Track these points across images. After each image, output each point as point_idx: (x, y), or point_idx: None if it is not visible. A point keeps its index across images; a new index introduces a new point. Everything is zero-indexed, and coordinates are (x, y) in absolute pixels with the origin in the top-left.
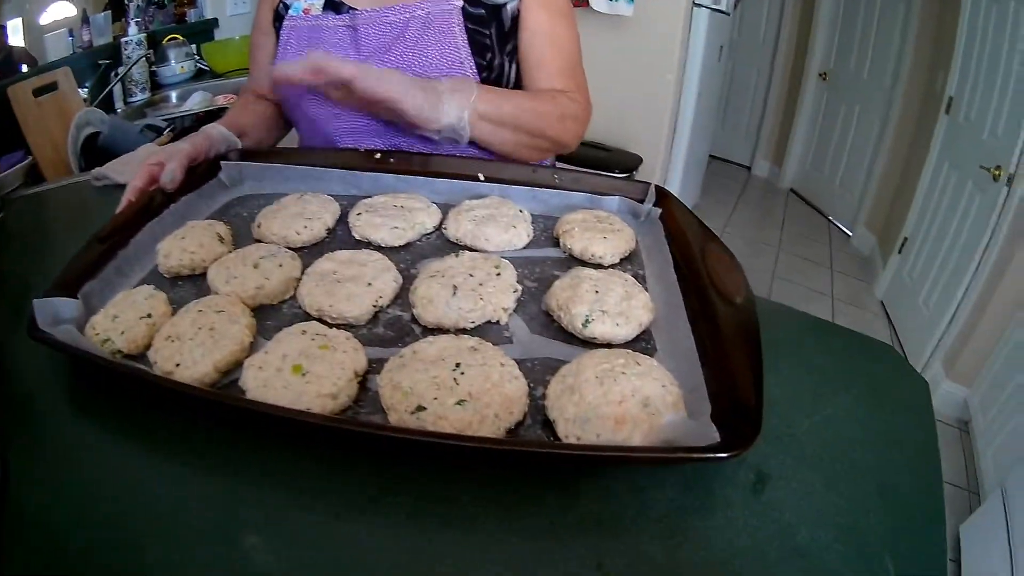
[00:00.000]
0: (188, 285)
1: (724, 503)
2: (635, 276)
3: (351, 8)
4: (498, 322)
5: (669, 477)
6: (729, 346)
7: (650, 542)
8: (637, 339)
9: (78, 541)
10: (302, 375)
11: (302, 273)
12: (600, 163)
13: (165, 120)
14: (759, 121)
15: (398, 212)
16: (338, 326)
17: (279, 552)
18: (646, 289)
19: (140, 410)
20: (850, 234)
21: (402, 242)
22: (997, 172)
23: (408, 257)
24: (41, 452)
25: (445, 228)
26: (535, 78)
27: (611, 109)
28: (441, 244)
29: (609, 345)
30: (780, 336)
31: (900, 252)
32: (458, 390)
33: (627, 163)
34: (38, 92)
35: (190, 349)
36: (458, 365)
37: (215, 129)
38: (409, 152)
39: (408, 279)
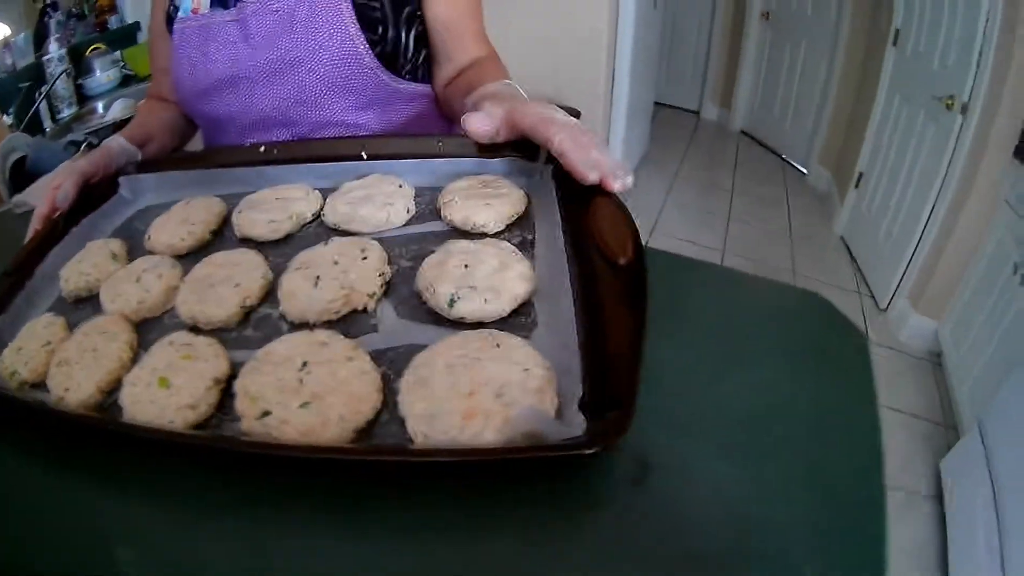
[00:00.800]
0: (88, 307)
1: (600, 501)
2: (523, 242)
3: (238, 0)
4: (364, 310)
5: (537, 473)
6: (608, 316)
7: (508, 547)
8: (516, 314)
9: None
10: (167, 388)
11: (183, 279)
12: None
13: (88, 133)
14: (704, 65)
15: (277, 204)
16: (213, 331)
17: (150, 561)
18: (532, 256)
19: (43, 436)
20: (805, 172)
21: (280, 235)
22: (950, 102)
23: (288, 250)
24: None
25: (324, 215)
26: (454, 49)
27: (543, 63)
28: (323, 232)
29: (482, 324)
30: (687, 295)
31: (857, 187)
32: (303, 391)
33: None
34: None
35: (76, 372)
36: (305, 364)
37: (115, 142)
38: (291, 141)
39: (282, 274)
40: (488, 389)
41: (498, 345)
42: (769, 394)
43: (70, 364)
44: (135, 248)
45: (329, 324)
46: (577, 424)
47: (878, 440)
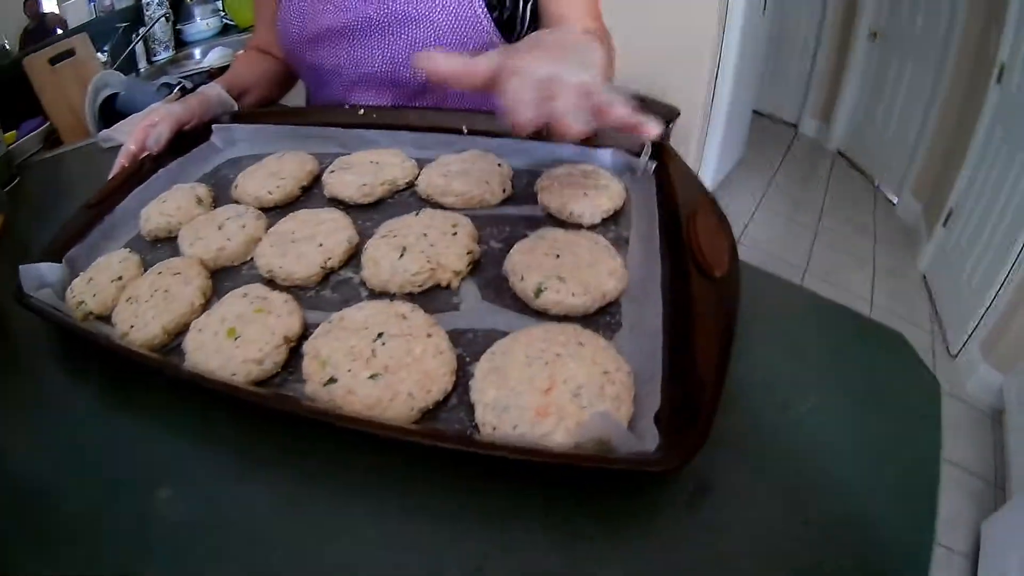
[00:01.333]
0: (166, 248)
1: (652, 521)
2: (618, 239)
3: None
4: (448, 286)
5: (594, 478)
6: (697, 330)
7: (547, 549)
8: (602, 312)
9: None
10: (235, 339)
11: (267, 232)
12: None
13: (181, 77)
14: (808, 77)
15: (371, 168)
16: (289, 288)
17: (189, 504)
18: (626, 254)
19: (101, 368)
20: (895, 201)
21: (370, 199)
22: None
23: (376, 216)
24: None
25: (417, 185)
26: (566, 21)
27: (647, 56)
28: (414, 202)
29: (566, 318)
30: (767, 312)
31: (945, 224)
32: (374, 362)
33: (664, 114)
34: (55, 60)
35: (144, 311)
36: (380, 335)
37: (212, 90)
38: (392, 106)
39: (368, 239)
40: (566, 388)
41: (582, 343)
42: (835, 429)
43: (139, 302)
44: (221, 196)
45: (410, 296)
46: (650, 438)
47: (935, 495)
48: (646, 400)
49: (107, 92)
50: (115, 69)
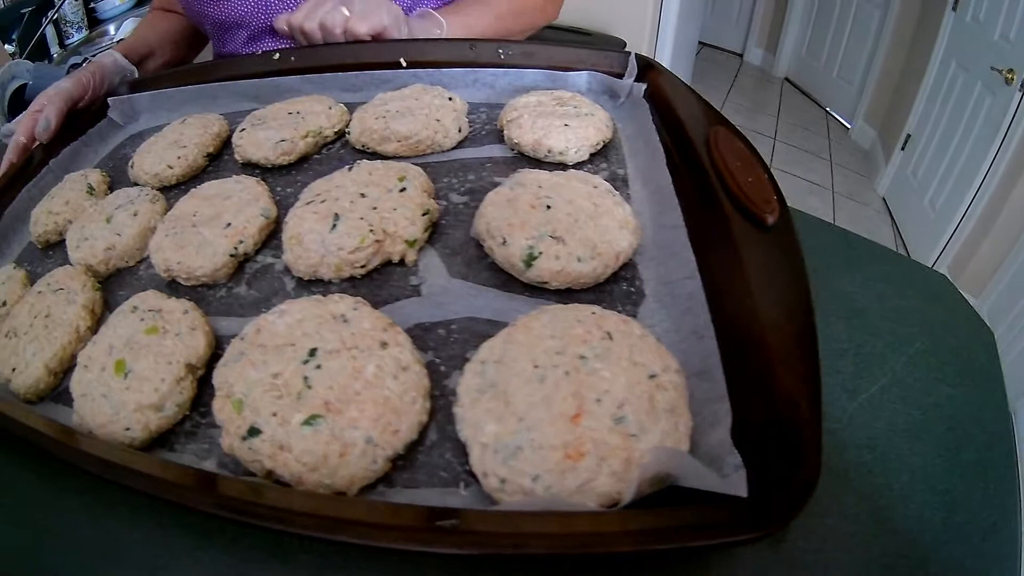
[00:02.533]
0: (59, 254)
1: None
2: (613, 178)
3: None
4: (401, 262)
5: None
6: (756, 296)
7: None
8: (615, 278)
9: None
10: (123, 376)
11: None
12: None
13: (93, 55)
14: (751, 6)
15: (290, 120)
16: (196, 287)
17: None
18: (628, 198)
19: None
20: (849, 127)
21: (292, 158)
22: (1010, 75)
23: (300, 179)
24: None
25: (348, 132)
26: None
27: None
28: (345, 155)
29: (569, 292)
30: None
31: (903, 149)
32: (309, 398)
33: (608, 48)
34: None
35: (23, 347)
36: (312, 352)
37: (107, 58)
38: (314, 46)
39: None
40: (602, 409)
41: (609, 334)
42: (909, 409)
43: (18, 335)
44: (119, 180)
45: (351, 283)
46: (730, 464)
47: (1013, 475)
48: (703, 404)
49: (15, 84)
50: (25, 58)
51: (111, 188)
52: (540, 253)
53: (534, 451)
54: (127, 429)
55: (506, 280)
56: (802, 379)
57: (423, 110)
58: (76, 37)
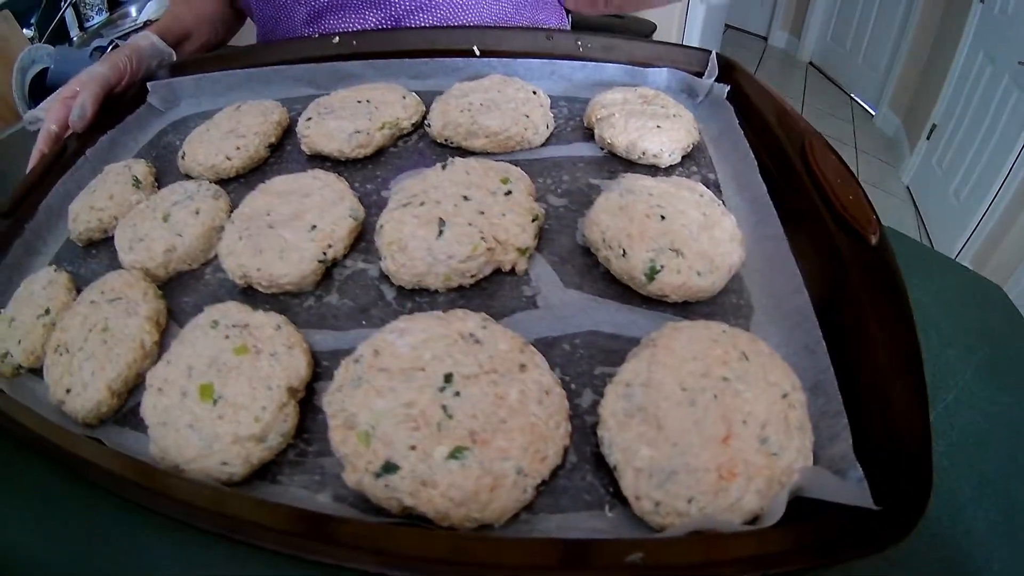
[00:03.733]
0: (103, 253)
1: None
2: (704, 183)
3: None
4: (512, 271)
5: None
6: (862, 312)
7: None
8: (724, 290)
9: None
10: (212, 402)
11: (230, 217)
12: (611, 31)
13: (117, 38)
14: None
15: (361, 110)
16: (277, 295)
17: None
18: (724, 206)
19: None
20: (873, 113)
21: (368, 150)
22: None
23: (379, 173)
24: None
25: (428, 124)
26: None
27: None
28: (424, 149)
29: (684, 304)
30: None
31: (928, 138)
32: (451, 428)
33: (640, 30)
34: None
35: (78, 365)
36: (449, 378)
37: (144, 40)
38: (376, 29)
39: (376, 208)
40: (748, 431)
41: (745, 355)
42: (973, 417)
43: (71, 350)
44: (166, 172)
45: (459, 291)
46: (852, 477)
47: None
48: (819, 419)
49: (36, 69)
50: (45, 42)
51: (158, 180)
52: (662, 267)
53: (689, 474)
54: (224, 464)
55: (622, 291)
56: (912, 396)
57: (509, 104)
58: (96, 19)
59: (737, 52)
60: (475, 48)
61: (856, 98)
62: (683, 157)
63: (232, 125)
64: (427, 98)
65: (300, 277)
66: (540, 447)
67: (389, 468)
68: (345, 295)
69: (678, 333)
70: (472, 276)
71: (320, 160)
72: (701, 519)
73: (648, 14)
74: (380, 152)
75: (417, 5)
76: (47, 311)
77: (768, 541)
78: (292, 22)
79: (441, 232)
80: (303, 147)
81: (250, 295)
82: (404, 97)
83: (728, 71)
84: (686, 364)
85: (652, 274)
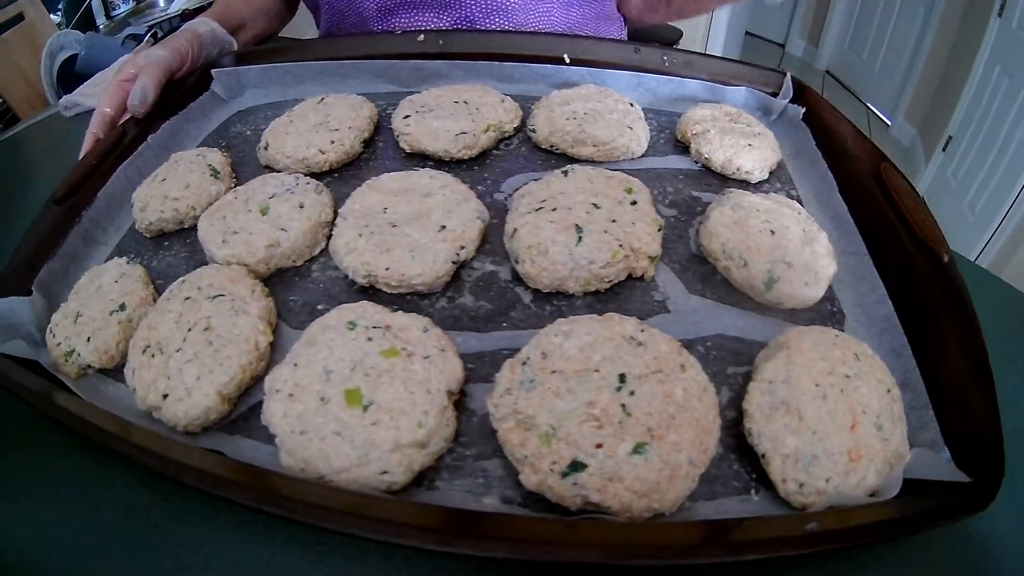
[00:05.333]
0: (177, 245)
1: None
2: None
3: None
4: (641, 277)
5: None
6: (938, 321)
7: None
8: (821, 299)
9: None
10: (362, 408)
11: (335, 213)
12: (638, 36)
13: (149, 25)
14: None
15: (461, 110)
16: (405, 295)
17: None
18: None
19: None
20: (889, 123)
21: (473, 153)
22: None
23: (486, 175)
24: None
25: (532, 129)
26: None
27: None
28: (528, 153)
29: (792, 312)
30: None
31: (944, 150)
32: (630, 425)
33: (667, 37)
34: (1, 28)
35: (178, 368)
36: (623, 379)
37: (204, 26)
38: (465, 29)
39: (494, 211)
40: (867, 419)
41: (857, 356)
42: (1017, 412)
43: (166, 350)
44: (241, 162)
45: (595, 296)
46: (943, 458)
47: None
48: (909, 411)
49: (64, 55)
50: (72, 29)
51: (235, 173)
52: (778, 277)
53: (827, 457)
54: (384, 473)
55: (738, 298)
56: (982, 395)
57: (611, 115)
58: (123, 8)
59: (753, 58)
60: (565, 56)
61: (872, 107)
62: (770, 175)
63: (320, 118)
64: (517, 103)
65: (434, 278)
66: (703, 439)
67: (576, 466)
68: (480, 297)
69: (804, 337)
70: (608, 281)
71: (420, 159)
72: (835, 496)
73: (676, 22)
74: (484, 154)
75: (492, 8)
76: (122, 306)
77: (894, 509)
78: (361, 16)
79: (580, 238)
80: (402, 144)
81: (370, 294)
82: (503, 101)
83: (800, 93)
84: (816, 364)
85: (770, 284)
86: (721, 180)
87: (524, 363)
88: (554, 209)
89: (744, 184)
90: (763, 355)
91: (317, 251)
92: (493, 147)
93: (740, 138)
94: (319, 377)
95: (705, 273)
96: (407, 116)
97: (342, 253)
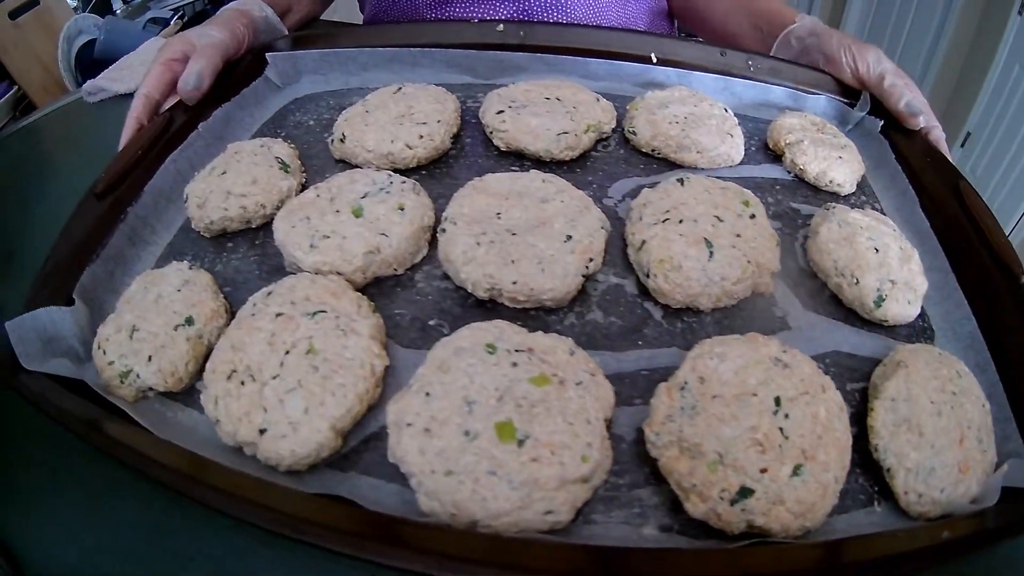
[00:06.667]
0: (244, 247)
1: None
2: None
3: None
4: (761, 294)
5: None
6: (1015, 337)
7: None
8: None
9: None
10: (517, 443)
11: (437, 216)
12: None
13: (172, 9)
14: None
15: (557, 108)
16: (529, 311)
17: None
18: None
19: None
20: None
21: (574, 154)
22: None
23: (590, 179)
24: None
25: (633, 131)
26: None
27: None
28: (628, 156)
29: (892, 327)
30: None
31: (963, 146)
32: (788, 448)
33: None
34: (16, 13)
35: (279, 397)
36: (778, 402)
37: (259, 10)
38: (548, 22)
39: (611, 220)
40: (972, 434)
41: (959, 373)
42: None
43: (258, 377)
44: (307, 156)
45: (722, 312)
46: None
47: None
48: (995, 423)
49: (82, 40)
50: (89, 13)
51: (305, 167)
52: (886, 295)
53: (942, 470)
54: (548, 513)
55: (846, 314)
56: None
57: (710, 120)
58: None
59: None
60: (652, 55)
61: None
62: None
63: (402, 110)
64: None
65: (565, 292)
66: (843, 457)
67: (744, 492)
68: (610, 313)
69: (917, 356)
70: (736, 298)
71: (515, 158)
72: (946, 505)
73: None
74: (583, 156)
75: (549, 3)
76: (189, 320)
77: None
78: (413, 4)
79: (711, 253)
80: (496, 142)
81: (488, 309)
82: (598, 100)
83: (878, 105)
84: (930, 382)
85: (879, 302)
86: (813, 191)
87: (682, 388)
88: (680, 221)
89: (834, 196)
90: (880, 373)
91: (419, 258)
92: (592, 148)
93: (831, 150)
94: (458, 408)
95: (814, 289)
96: (501, 111)
97: (459, 263)
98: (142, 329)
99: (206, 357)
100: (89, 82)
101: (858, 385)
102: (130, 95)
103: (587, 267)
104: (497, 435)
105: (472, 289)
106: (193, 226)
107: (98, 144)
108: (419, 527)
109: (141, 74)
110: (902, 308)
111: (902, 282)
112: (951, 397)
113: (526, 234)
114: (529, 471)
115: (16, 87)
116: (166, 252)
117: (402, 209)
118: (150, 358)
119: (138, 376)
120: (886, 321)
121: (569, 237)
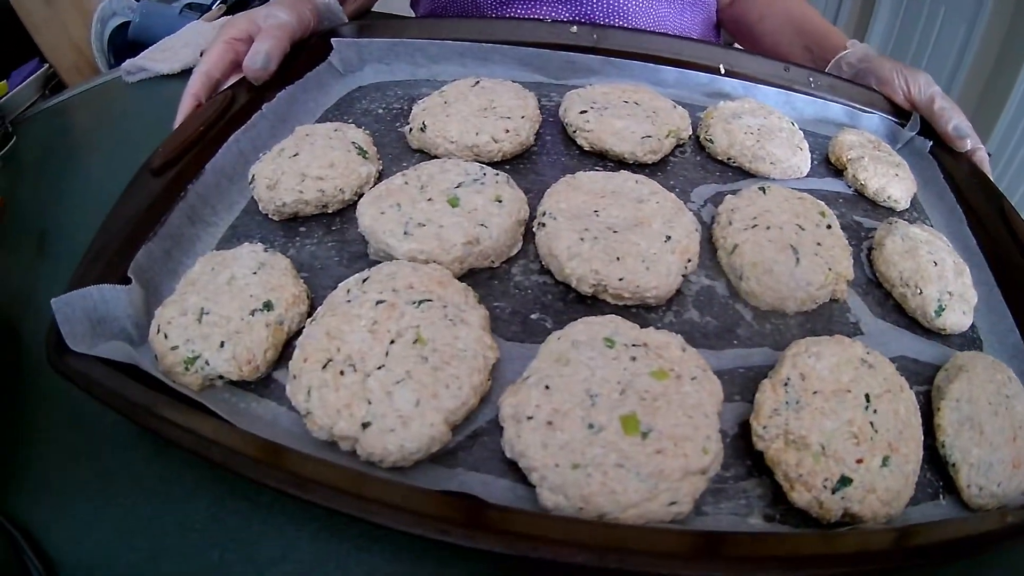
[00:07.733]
0: (319, 232)
1: None
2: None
3: None
4: (836, 300)
5: None
6: None
7: None
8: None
9: None
10: (642, 437)
11: (532, 210)
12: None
13: None
14: (837, 5)
15: (637, 112)
16: (630, 308)
17: None
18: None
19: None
20: None
21: (656, 158)
22: None
23: (671, 183)
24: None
25: (710, 140)
26: None
27: None
28: (704, 163)
29: (947, 336)
30: None
31: None
32: (878, 440)
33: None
34: None
35: (386, 389)
36: (868, 398)
37: None
38: (621, 26)
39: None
40: (1022, 433)
41: (1009, 378)
42: None
43: (360, 368)
44: (382, 144)
45: (805, 315)
46: None
47: None
48: None
49: (116, 21)
50: None
51: (379, 154)
52: (946, 306)
53: (999, 465)
54: (672, 504)
55: (908, 322)
56: None
57: (780, 132)
58: None
59: None
60: (721, 67)
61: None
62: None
63: (484, 103)
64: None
65: (667, 291)
66: (919, 451)
67: (844, 481)
68: (705, 312)
69: (975, 361)
70: (817, 303)
71: (597, 158)
72: (1003, 497)
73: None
74: (663, 160)
75: (611, 9)
76: (267, 305)
77: None
78: (475, 1)
79: (798, 260)
80: (580, 141)
81: (588, 304)
82: (675, 107)
83: (924, 126)
84: (987, 385)
85: (940, 311)
86: (872, 206)
87: (786, 384)
88: (768, 228)
89: (890, 211)
90: (943, 376)
91: (515, 251)
92: (670, 153)
93: (888, 167)
94: (579, 401)
95: (881, 297)
96: (584, 111)
97: (564, 258)
98: (212, 313)
99: (286, 345)
100: (129, 61)
101: (922, 388)
102: (171, 76)
103: (686, 267)
104: (622, 428)
105: (576, 284)
106: (261, 208)
107: (136, 124)
108: (580, 523)
109: (183, 55)
110: (958, 318)
111: (958, 294)
112: (1005, 399)
113: (627, 232)
114: (655, 463)
115: (47, 65)
116: (228, 234)
117: (499, 201)
118: (222, 344)
119: (207, 363)
120: (944, 330)
121: (668, 237)
